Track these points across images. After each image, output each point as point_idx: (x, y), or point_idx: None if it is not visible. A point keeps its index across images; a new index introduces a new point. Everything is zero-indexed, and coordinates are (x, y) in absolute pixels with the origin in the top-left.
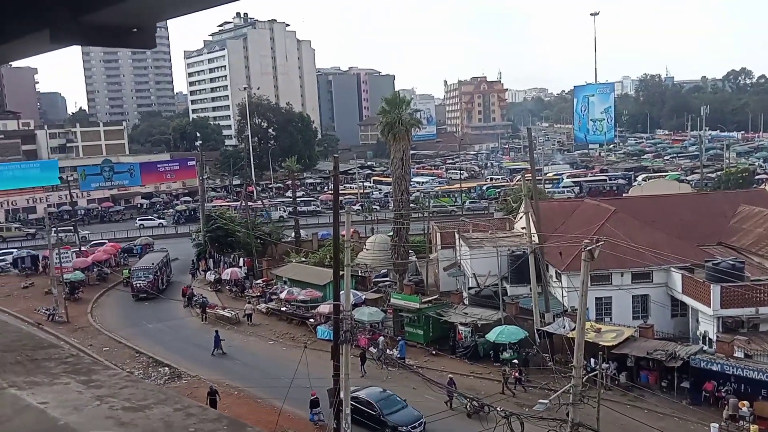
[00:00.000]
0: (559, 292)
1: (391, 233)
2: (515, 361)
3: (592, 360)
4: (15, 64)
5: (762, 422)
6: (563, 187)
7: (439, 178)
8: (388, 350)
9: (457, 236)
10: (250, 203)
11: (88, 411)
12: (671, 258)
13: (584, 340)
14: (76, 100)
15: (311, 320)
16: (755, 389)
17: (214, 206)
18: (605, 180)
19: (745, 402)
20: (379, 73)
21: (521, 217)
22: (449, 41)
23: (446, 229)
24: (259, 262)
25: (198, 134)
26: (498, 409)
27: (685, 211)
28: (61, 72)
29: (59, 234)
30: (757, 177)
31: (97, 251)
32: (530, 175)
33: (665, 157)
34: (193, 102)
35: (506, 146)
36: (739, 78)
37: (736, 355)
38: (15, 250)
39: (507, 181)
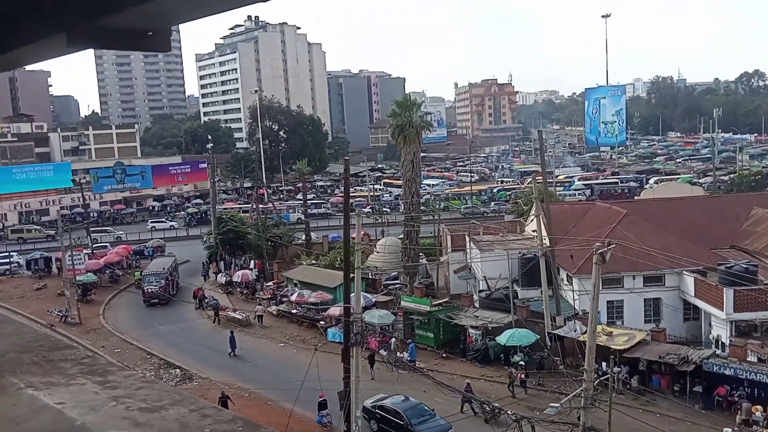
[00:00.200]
0: (571, 295)
1: (402, 236)
2: (521, 363)
3: (604, 364)
4: (29, 67)
5: None
6: (574, 189)
7: (450, 180)
8: (398, 353)
9: (467, 239)
10: (261, 206)
11: (105, 411)
12: (683, 261)
13: (596, 344)
14: (88, 103)
15: (322, 323)
16: None
17: (225, 209)
18: (617, 183)
19: (758, 407)
20: (390, 75)
21: (532, 220)
22: (460, 44)
23: (457, 231)
24: (270, 265)
25: (209, 137)
26: (509, 412)
27: (697, 214)
28: (74, 75)
29: (91, 235)
30: None
31: (110, 253)
32: (541, 177)
33: (677, 160)
34: (204, 105)
35: (517, 149)
36: (752, 80)
37: (749, 359)
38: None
39: (518, 184)
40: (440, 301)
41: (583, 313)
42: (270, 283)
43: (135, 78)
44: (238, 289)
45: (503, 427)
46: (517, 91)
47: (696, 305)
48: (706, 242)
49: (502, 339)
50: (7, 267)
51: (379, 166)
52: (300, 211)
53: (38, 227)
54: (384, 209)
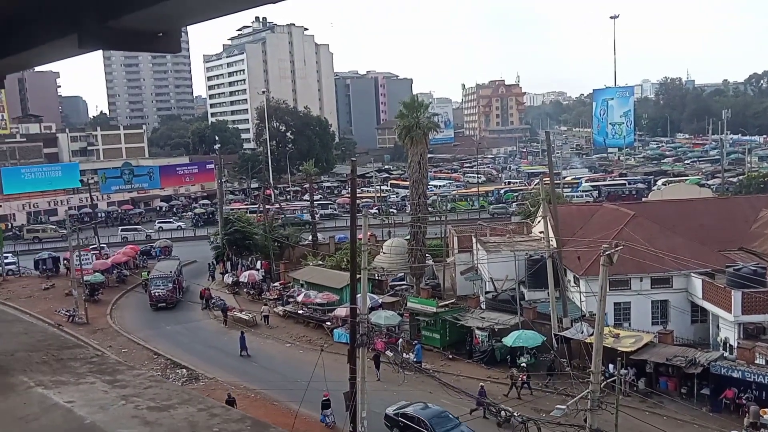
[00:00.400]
0: (577, 296)
1: (408, 237)
2: (523, 365)
3: (611, 366)
4: (38, 68)
5: None
6: (582, 191)
7: (457, 181)
8: (404, 354)
9: (474, 240)
10: (274, 206)
11: (114, 410)
12: (691, 263)
13: (602, 346)
14: (97, 103)
15: (328, 323)
16: None
17: (233, 209)
18: (624, 184)
19: (766, 410)
20: (397, 76)
21: (539, 221)
22: (467, 45)
23: (463, 233)
24: (277, 265)
25: (217, 138)
26: (515, 414)
27: (705, 216)
28: (82, 76)
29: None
30: None
31: (117, 253)
32: (548, 178)
33: (685, 162)
34: (212, 106)
35: (524, 150)
36: (762, 81)
37: (757, 362)
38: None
39: (525, 185)
40: (446, 303)
41: (590, 315)
42: (276, 284)
43: (143, 79)
44: (244, 290)
45: (516, 431)
46: (525, 92)
47: (704, 307)
48: (714, 244)
49: (509, 340)
50: (9, 268)
51: (386, 167)
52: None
53: (54, 227)
54: (391, 210)
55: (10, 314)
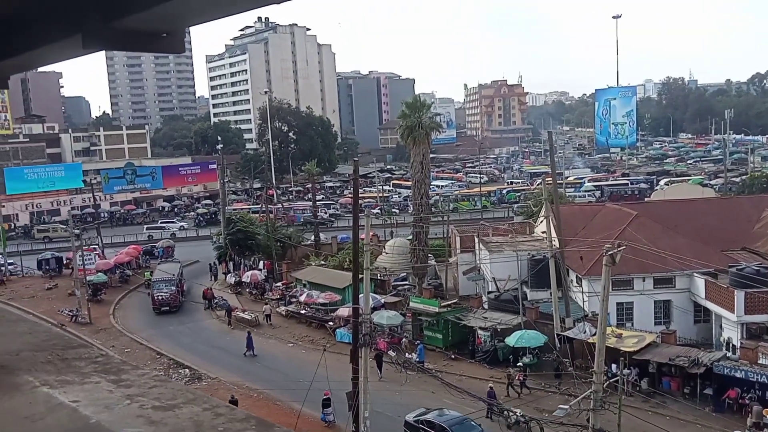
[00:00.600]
0: (580, 296)
1: (411, 237)
2: (519, 364)
3: (614, 366)
4: (41, 68)
5: None
6: (584, 191)
7: (459, 181)
8: (407, 354)
9: (476, 240)
10: (281, 206)
11: (119, 410)
12: (694, 263)
13: (605, 346)
14: (99, 104)
15: (330, 323)
16: None
17: (235, 209)
18: (627, 184)
19: None
20: (399, 76)
21: (542, 221)
22: (470, 45)
23: (466, 232)
24: (279, 265)
25: (219, 138)
26: (518, 413)
27: (708, 216)
28: (85, 76)
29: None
30: None
31: (119, 253)
32: (551, 178)
33: (688, 161)
34: (214, 106)
35: (526, 150)
36: (765, 81)
37: (760, 362)
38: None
39: (527, 185)
40: (449, 303)
41: (592, 315)
42: (279, 284)
43: (146, 79)
44: (247, 290)
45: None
46: (527, 92)
47: (707, 307)
48: (717, 244)
49: (511, 340)
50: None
51: (389, 167)
52: (325, 211)
53: (63, 226)
54: (393, 210)
55: (14, 314)
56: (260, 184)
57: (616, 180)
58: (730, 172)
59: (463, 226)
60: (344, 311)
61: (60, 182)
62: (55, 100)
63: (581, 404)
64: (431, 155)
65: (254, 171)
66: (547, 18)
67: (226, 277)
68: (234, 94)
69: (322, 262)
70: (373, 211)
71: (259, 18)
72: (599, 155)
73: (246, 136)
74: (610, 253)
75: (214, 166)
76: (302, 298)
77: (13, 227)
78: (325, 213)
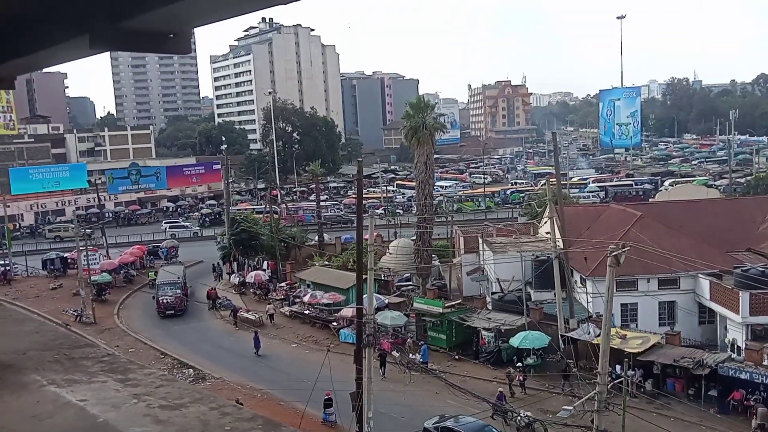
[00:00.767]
0: (584, 297)
1: (414, 237)
2: (519, 364)
3: (618, 367)
4: (46, 69)
5: None
6: (589, 191)
7: (463, 182)
8: (410, 354)
9: (480, 241)
10: (277, 206)
11: (126, 409)
12: (699, 264)
13: (609, 347)
14: (104, 104)
15: (334, 323)
16: None
17: (239, 210)
18: (631, 185)
19: None
20: (403, 77)
21: (546, 222)
22: (474, 45)
23: (469, 233)
24: (283, 266)
25: (223, 138)
26: (522, 414)
27: (713, 217)
28: (90, 77)
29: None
30: None
31: (124, 253)
32: (555, 179)
33: (693, 162)
34: (218, 106)
35: (530, 150)
36: None
37: (765, 363)
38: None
39: (531, 186)
40: (453, 303)
41: (596, 316)
42: (283, 284)
43: (150, 80)
44: (251, 290)
45: None
46: (531, 93)
47: (711, 308)
48: (721, 245)
49: (515, 341)
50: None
51: (392, 167)
52: (332, 210)
53: (74, 226)
54: (397, 211)
55: (21, 313)
56: (264, 184)
57: (620, 181)
58: (734, 172)
59: (467, 227)
60: (348, 311)
61: (65, 182)
62: (60, 100)
63: (585, 405)
64: (435, 156)
65: (258, 171)
66: (551, 18)
67: (230, 278)
68: (238, 94)
69: (326, 263)
70: (377, 211)
71: (263, 19)
72: (603, 156)
73: (250, 136)
74: (614, 253)
75: (219, 166)
76: (306, 299)
77: (18, 227)
78: (336, 212)
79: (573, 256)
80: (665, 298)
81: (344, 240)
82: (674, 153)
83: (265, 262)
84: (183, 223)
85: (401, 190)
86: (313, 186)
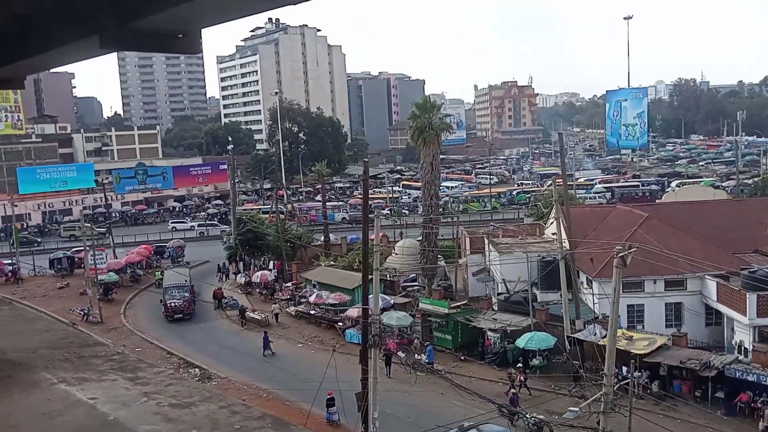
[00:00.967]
0: (590, 298)
1: (420, 238)
2: (520, 365)
3: (624, 368)
4: (53, 69)
5: None
6: (595, 192)
7: (469, 183)
8: (416, 355)
9: (486, 241)
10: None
11: (137, 407)
12: (706, 265)
13: (616, 348)
14: (111, 104)
15: (340, 324)
16: None
17: (245, 210)
18: (638, 186)
19: None
20: (409, 77)
21: (552, 223)
22: (480, 46)
23: (475, 234)
24: (289, 266)
25: (230, 138)
26: (528, 416)
27: (720, 218)
28: (97, 77)
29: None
30: None
31: (130, 253)
32: (561, 180)
33: (700, 163)
34: (225, 106)
35: (537, 151)
36: None
37: None
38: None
39: (537, 187)
40: (458, 304)
41: (603, 317)
42: (289, 284)
43: (157, 80)
44: (257, 290)
45: None
46: (537, 93)
47: (718, 310)
48: (728, 246)
49: (521, 342)
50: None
51: (398, 168)
52: (346, 210)
53: (89, 225)
54: (403, 211)
55: (31, 312)
56: (270, 184)
57: (627, 181)
58: (742, 174)
59: (472, 227)
60: (354, 312)
61: (72, 182)
62: (68, 100)
63: (591, 407)
64: (441, 156)
65: (264, 171)
66: (557, 19)
67: (236, 278)
68: (245, 94)
69: (332, 263)
70: (382, 211)
71: (270, 19)
72: (610, 157)
73: (256, 136)
74: (620, 254)
75: (225, 166)
76: (312, 299)
77: (25, 226)
78: (346, 212)
79: (579, 257)
80: (672, 299)
81: (350, 240)
82: (681, 154)
83: (271, 262)
84: (211, 222)
85: (407, 190)
86: (319, 186)
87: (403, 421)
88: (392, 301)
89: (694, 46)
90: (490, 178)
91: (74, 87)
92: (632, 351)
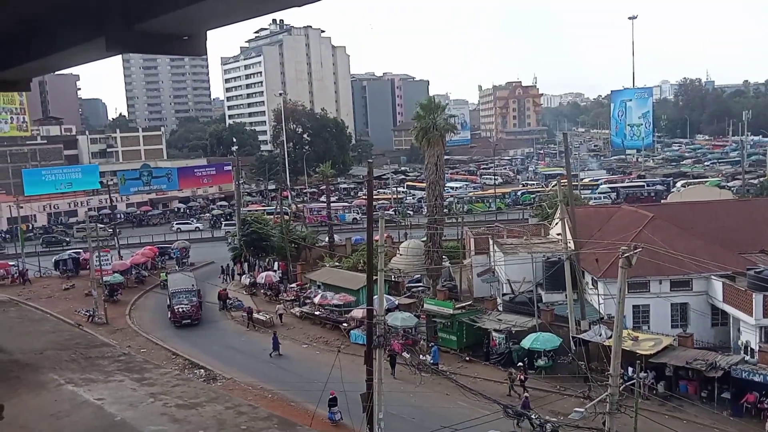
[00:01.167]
0: (596, 299)
1: (425, 238)
2: (520, 364)
3: (630, 369)
4: (59, 71)
5: None
6: (600, 192)
7: (474, 183)
8: (421, 356)
9: (491, 242)
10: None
11: (143, 407)
12: (711, 265)
13: (621, 349)
14: (116, 106)
15: (345, 324)
16: None
17: (250, 211)
18: (643, 186)
19: None
20: (413, 78)
21: (557, 223)
22: (484, 46)
23: (480, 234)
24: (294, 266)
25: (234, 139)
26: (533, 416)
27: (725, 218)
28: (102, 79)
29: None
30: None
31: (136, 254)
32: (566, 180)
33: (705, 163)
34: (229, 108)
35: (541, 151)
36: None
37: None
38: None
39: (542, 187)
40: (463, 304)
41: (608, 318)
42: (293, 285)
43: (161, 81)
44: (261, 291)
45: None
46: (542, 94)
47: (724, 310)
48: (734, 246)
49: (526, 343)
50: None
51: (403, 168)
52: (357, 211)
53: (102, 226)
54: (407, 212)
55: (37, 313)
56: (275, 185)
57: (632, 182)
58: (747, 174)
59: (477, 228)
60: (358, 312)
61: (77, 183)
62: (73, 102)
63: (597, 407)
64: (445, 157)
65: (269, 172)
66: (562, 19)
67: (240, 278)
68: (249, 96)
69: (337, 264)
70: (387, 212)
71: (274, 20)
72: (615, 157)
73: (261, 137)
74: (626, 255)
75: (229, 167)
76: (316, 300)
77: (31, 227)
78: (357, 212)
79: (584, 257)
80: (677, 299)
81: (354, 241)
82: (686, 154)
83: (276, 263)
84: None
85: (411, 191)
86: (324, 187)
87: (408, 422)
88: (397, 302)
89: (698, 45)
90: (494, 179)
91: (79, 89)
92: (638, 351)
